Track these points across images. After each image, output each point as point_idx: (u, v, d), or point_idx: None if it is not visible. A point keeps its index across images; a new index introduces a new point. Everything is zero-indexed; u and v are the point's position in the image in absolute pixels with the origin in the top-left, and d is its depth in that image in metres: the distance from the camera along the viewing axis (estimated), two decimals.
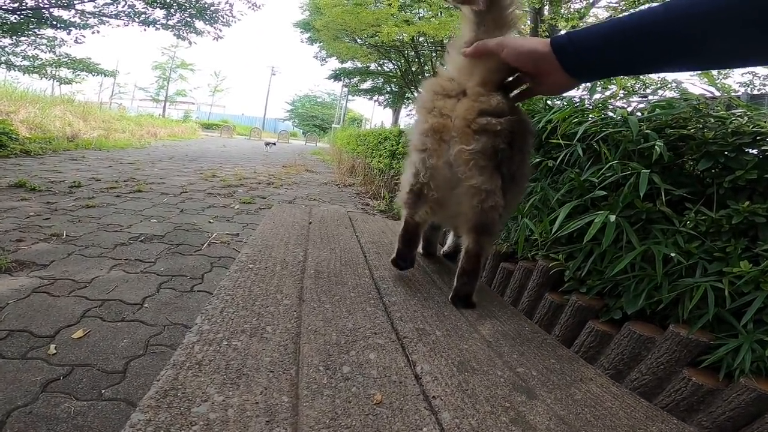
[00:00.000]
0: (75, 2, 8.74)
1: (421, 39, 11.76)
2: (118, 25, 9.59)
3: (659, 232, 1.01)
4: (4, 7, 8.28)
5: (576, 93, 1.55)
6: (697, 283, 0.92)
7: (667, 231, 1.01)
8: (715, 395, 0.84)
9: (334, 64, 18.40)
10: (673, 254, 0.94)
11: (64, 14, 8.97)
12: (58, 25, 9.06)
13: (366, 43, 13.05)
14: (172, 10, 9.52)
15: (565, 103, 1.47)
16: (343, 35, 12.65)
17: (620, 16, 0.54)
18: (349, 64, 16.95)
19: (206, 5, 9.67)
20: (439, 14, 10.44)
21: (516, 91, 0.76)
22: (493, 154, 0.70)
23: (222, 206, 3.94)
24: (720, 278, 0.89)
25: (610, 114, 1.28)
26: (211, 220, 3.35)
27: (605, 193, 1.10)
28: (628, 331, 0.99)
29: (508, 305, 0.83)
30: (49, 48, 10.66)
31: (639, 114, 1.21)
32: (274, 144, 15.60)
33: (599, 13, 9.46)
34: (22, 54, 10.75)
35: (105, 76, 12.94)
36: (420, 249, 1.04)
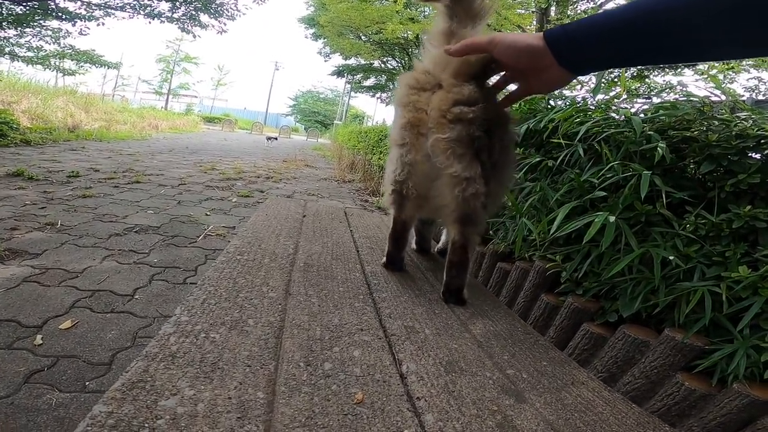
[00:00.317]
0: None
1: (425, 37, 11.70)
2: (123, 17, 9.56)
3: (658, 235, 0.99)
4: None
5: (579, 93, 1.53)
6: (695, 287, 0.90)
7: (667, 234, 0.99)
8: (708, 400, 0.83)
9: (337, 60, 18.35)
10: (671, 257, 0.92)
11: (70, 5, 8.95)
12: (64, 17, 9.03)
13: (370, 39, 13.02)
14: (177, 3, 9.49)
15: (567, 103, 1.45)
16: (348, 31, 12.63)
17: (617, 6, 0.52)
18: (352, 61, 16.93)
19: None
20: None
21: (514, 95, 0.75)
22: (469, 141, 0.70)
23: (220, 199, 3.92)
24: (718, 283, 0.88)
25: (613, 115, 1.26)
26: (208, 213, 3.33)
27: (605, 194, 1.08)
28: (622, 334, 0.98)
29: (501, 305, 0.81)
30: (53, 39, 10.63)
31: (642, 115, 1.19)
32: (276, 138, 15.61)
33: None
34: (27, 45, 10.73)
35: (109, 68, 12.93)
36: (413, 245, 1.03)
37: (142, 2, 9.26)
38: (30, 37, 10.41)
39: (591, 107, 1.36)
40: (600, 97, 1.41)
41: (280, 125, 31.70)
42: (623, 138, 1.11)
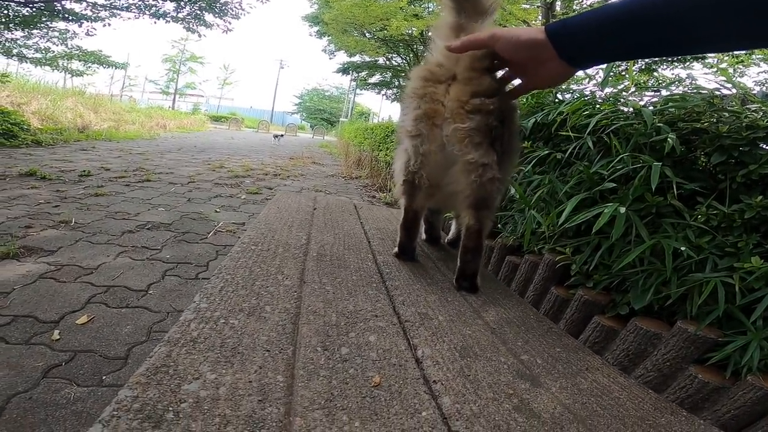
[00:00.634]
0: None
1: (430, 33, 11.67)
2: (129, 18, 9.63)
3: (669, 226, 0.99)
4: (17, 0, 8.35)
5: (586, 87, 1.52)
6: (707, 279, 0.90)
7: (678, 225, 0.99)
8: (721, 393, 0.82)
9: (342, 57, 18.35)
10: (682, 248, 0.92)
11: (76, 7, 9.02)
12: (70, 18, 9.11)
13: (375, 36, 12.99)
14: (182, 3, 9.54)
15: (575, 97, 1.45)
16: (352, 29, 12.61)
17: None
18: (357, 58, 16.90)
19: None
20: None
21: (510, 87, 0.76)
22: (487, 131, 0.73)
23: (229, 196, 3.96)
24: (730, 274, 0.87)
25: (622, 108, 1.25)
26: (218, 210, 3.37)
27: (615, 185, 1.08)
28: (634, 326, 0.97)
29: (513, 294, 0.82)
30: (61, 40, 10.73)
31: (651, 108, 1.18)
32: (282, 136, 15.68)
33: None
34: (35, 46, 10.84)
35: (116, 68, 13.04)
36: (423, 235, 1.04)
37: (147, 2, 9.31)
38: (37, 38, 10.52)
39: (599, 100, 1.35)
40: (608, 90, 1.40)
41: (287, 123, 31.79)
42: (632, 130, 1.11)
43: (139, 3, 9.28)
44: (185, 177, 4.71)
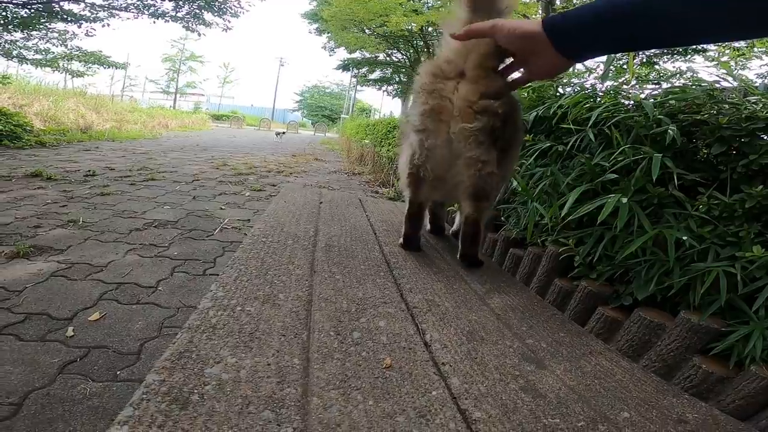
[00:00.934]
0: None
1: (429, 29, 11.65)
2: (128, 18, 9.64)
3: (671, 217, 1.00)
4: (15, 1, 8.37)
5: (587, 80, 1.53)
6: (709, 268, 0.91)
7: (680, 215, 1.00)
8: (725, 383, 0.84)
9: (342, 54, 18.33)
10: (684, 238, 0.93)
11: (74, 7, 9.04)
12: (69, 19, 9.13)
13: (374, 33, 12.96)
14: (180, 2, 9.54)
15: (576, 90, 1.46)
16: (351, 25, 12.57)
17: None
18: (357, 55, 16.87)
19: None
20: (449, 3, 10.32)
21: (510, 78, 0.78)
22: (491, 132, 0.77)
23: (233, 193, 3.99)
24: (732, 263, 0.88)
25: (622, 100, 1.26)
26: (223, 207, 3.39)
27: (616, 176, 1.09)
28: (638, 317, 0.98)
29: (517, 282, 0.84)
30: (60, 41, 10.75)
31: (652, 100, 1.19)
32: (284, 133, 15.72)
33: None
34: (34, 48, 10.87)
35: (116, 68, 13.09)
36: (427, 225, 1.07)
37: (145, 2, 9.31)
38: (37, 39, 10.54)
39: (600, 93, 1.36)
40: (609, 83, 1.41)
41: (288, 121, 31.81)
42: (633, 122, 1.12)
43: (138, 3, 9.29)
44: (189, 175, 4.74)
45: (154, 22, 9.74)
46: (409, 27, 11.33)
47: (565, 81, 1.59)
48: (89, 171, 4.20)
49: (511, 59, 0.75)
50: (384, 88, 21.66)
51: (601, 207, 1.03)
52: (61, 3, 8.85)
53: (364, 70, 20.07)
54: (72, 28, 9.85)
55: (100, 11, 9.23)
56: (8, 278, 1.73)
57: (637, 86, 1.39)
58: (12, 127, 5.78)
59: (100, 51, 11.97)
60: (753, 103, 1.02)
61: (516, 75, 0.78)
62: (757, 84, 1.35)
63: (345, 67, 19.12)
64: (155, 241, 2.41)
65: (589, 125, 1.22)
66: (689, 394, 0.85)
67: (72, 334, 1.41)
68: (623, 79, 1.42)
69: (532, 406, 0.45)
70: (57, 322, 1.48)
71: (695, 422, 0.51)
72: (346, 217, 1.05)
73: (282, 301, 0.56)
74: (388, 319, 0.56)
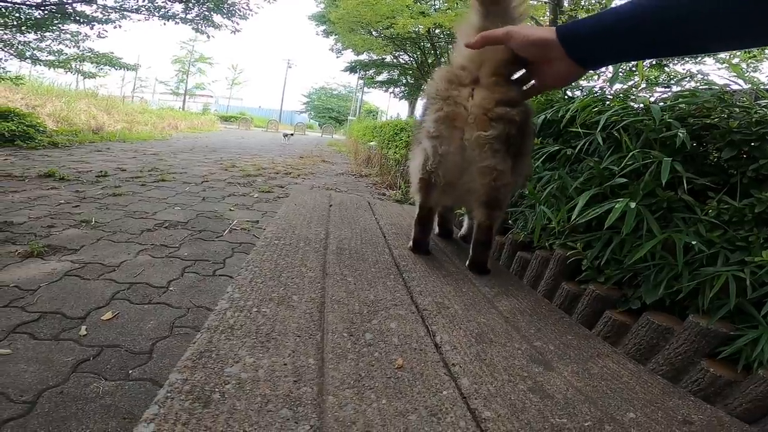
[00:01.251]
0: None
1: (437, 31, 11.66)
2: (139, 20, 9.76)
3: (680, 221, 1.00)
4: (28, 3, 8.52)
5: (596, 83, 1.53)
6: (719, 273, 0.91)
7: (689, 220, 1.00)
8: (733, 387, 0.83)
9: (349, 56, 18.44)
10: (694, 242, 0.93)
11: (87, 9, 9.17)
12: (81, 20, 9.26)
13: (381, 35, 13.00)
14: (190, 4, 9.64)
15: (584, 93, 1.46)
16: (359, 27, 12.62)
17: (628, 1, 0.54)
18: (364, 57, 16.93)
19: None
20: (456, 6, 10.31)
21: (525, 87, 0.78)
22: (506, 139, 0.77)
23: (242, 195, 4.03)
24: (742, 268, 0.88)
25: (632, 104, 1.26)
26: (232, 208, 3.43)
27: (625, 180, 1.10)
28: (646, 320, 0.98)
29: (525, 286, 0.84)
30: (73, 43, 10.90)
31: (661, 104, 1.19)
32: (292, 135, 15.82)
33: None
34: (47, 49, 11.02)
35: (127, 70, 13.20)
36: (436, 229, 1.08)
37: (156, 4, 9.44)
38: (50, 41, 10.69)
39: (609, 96, 1.36)
40: (618, 86, 1.41)
41: (295, 122, 31.98)
42: (642, 126, 1.12)
43: (149, 5, 9.41)
44: (199, 176, 4.80)
45: (165, 24, 9.87)
46: (416, 29, 11.35)
47: (573, 85, 1.59)
48: (101, 172, 4.27)
49: (525, 67, 0.75)
50: (391, 90, 21.69)
51: (609, 211, 1.03)
52: (74, 4, 8.99)
53: (371, 72, 20.11)
54: (84, 29, 9.97)
55: (111, 13, 9.36)
56: (22, 277, 1.77)
57: (646, 89, 1.39)
58: (25, 127, 5.90)
59: (112, 52, 12.10)
60: (764, 107, 1.02)
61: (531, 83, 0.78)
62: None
63: (352, 69, 19.18)
64: (166, 241, 2.45)
65: (598, 129, 1.22)
66: (696, 397, 0.86)
67: (85, 333, 1.44)
68: (633, 82, 1.42)
69: (540, 406, 0.46)
70: (70, 321, 1.51)
71: (700, 423, 0.52)
72: (356, 220, 1.06)
73: (296, 303, 0.57)
74: (399, 321, 0.57)
